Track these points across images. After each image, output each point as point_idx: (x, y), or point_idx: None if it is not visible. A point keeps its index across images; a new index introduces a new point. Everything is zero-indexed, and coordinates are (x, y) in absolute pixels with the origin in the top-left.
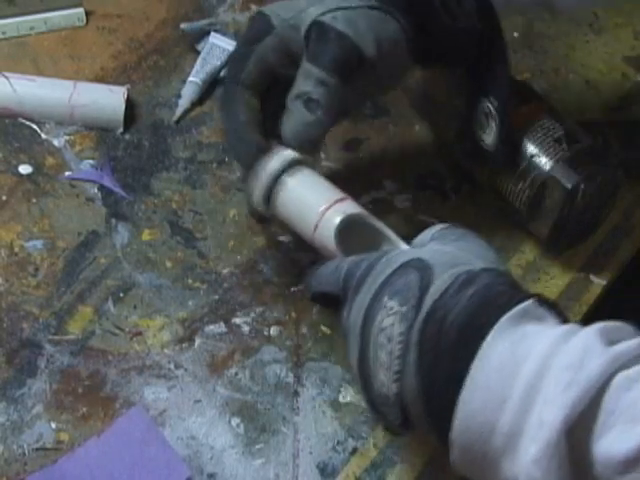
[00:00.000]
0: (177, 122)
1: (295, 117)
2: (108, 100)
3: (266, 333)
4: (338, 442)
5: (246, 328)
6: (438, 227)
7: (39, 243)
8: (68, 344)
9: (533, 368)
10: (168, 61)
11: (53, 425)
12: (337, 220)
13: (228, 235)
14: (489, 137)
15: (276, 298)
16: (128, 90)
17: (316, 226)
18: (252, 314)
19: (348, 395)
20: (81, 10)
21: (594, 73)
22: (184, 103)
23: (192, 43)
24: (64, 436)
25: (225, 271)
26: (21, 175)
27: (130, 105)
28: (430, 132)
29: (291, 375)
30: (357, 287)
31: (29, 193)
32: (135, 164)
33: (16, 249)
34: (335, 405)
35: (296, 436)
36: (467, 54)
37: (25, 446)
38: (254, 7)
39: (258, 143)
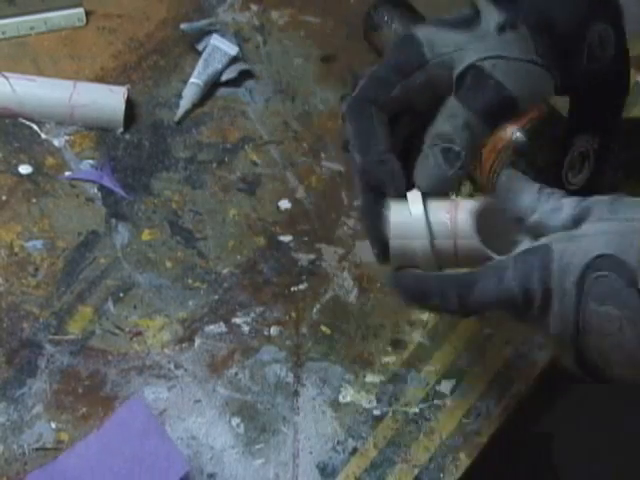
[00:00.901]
0: (178, 123)
1: (431, 167)
2: (108, 100)
3: (266, 333)
4: (338, 442)
5: (246, 328)
6: (573, 204)
7: (39, 243)
8: (68, 344)
9: None
10: (168, 61)
11: (53, 425)
12: (471, 212)
13: (228, 235)
14: (576, 178)
15: (276, 298)
16: (128, 90)
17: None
18: (252, 314)
19: (348, 395)
20: (81, 10)
21: None
22: (185, 104)
23: (192, 43)
24: (64, 436)
25: (225, 271)
26: (21, 175)
27: (130, 105)
28: None
29: (291, 375)
30: (545, 298)
31: (29, 193)
32: (135, 164)
33: (16, 249)
34: (335, 405)
35: (296, 436)
36: (595, 93)
37: (25, 446)
38: (254, 7)
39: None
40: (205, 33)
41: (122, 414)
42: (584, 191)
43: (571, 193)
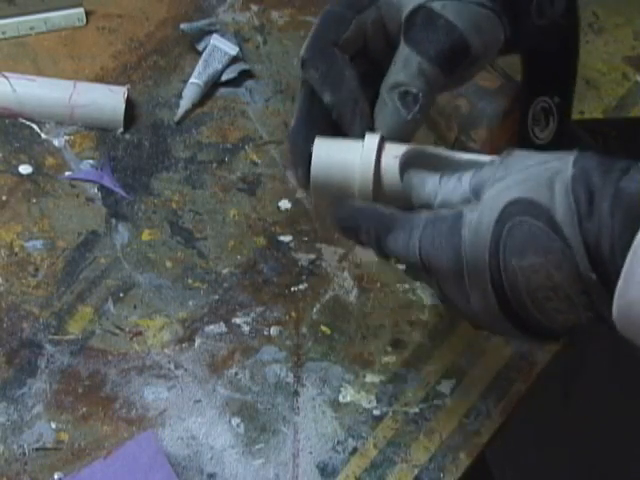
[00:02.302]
0: (178, 123)
1: (390, 111)
2: (108, 100)
3: (266, 333)
4: (338, 442)
5: (246, 328)
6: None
7: (39, 243)
8: (68, 344)
9: None
10: (168, 61)
11: (53, 425)
12: (398, 156)
13: (228, 235)
14: (544, 133)
15: (276, 298)
16: (128, 90)
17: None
18: (252, 314)
19: (348, 395)
20: (81, 10)
21: (594, 73)
22: (185, 104)
23: (192, 43)
24: (64, 436)
25: (225, 271)
26: (21, 175)
27: (130, 105)
28: (430, 132)
29: (291, 375)
30: (452, 271)
31: (29, 193)
32: (135, 164)
33: (16, 249)
34: (335, 405)
35: (296, 436)
36: (545, 51)
37: (25, 446)
38: (254, 7)
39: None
40: (205, 33)
41: (131, 446)
42: (553, 145)
43: (539, 148)
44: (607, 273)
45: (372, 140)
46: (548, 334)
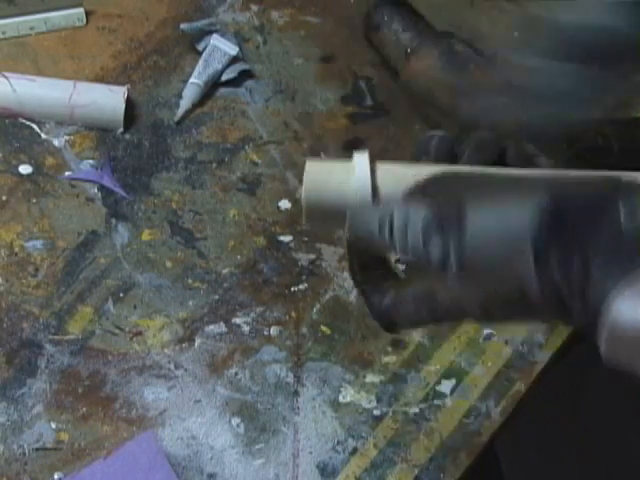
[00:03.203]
0: (178, 123)
1: None
2: (108, 100)
3: (266, 333)
4: (338, 442)
5: (246, 328)
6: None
7: (39, 243)
8: (68, 344)
9: None
10: (168, 61)
11: (53, 425)
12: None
13: (228, 235)
14: None
15: (276, 298)
16: (128, 90)
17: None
18: (252, 314)
19: (348, 395)
20: (81, 10)
21: None
22: (185, 104)
23: (192, 43)
24: (64, 436)
25: (225, 271)
26: (21, 175)
27: (130, 105)
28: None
29: (291, 375)
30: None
31: (29, 193)
32: (135, 164)
33: (16, 249)
34: (335, 405)
35: (296, 436)
36: None
37: (25, 446)
38: (254, 7)
39: None
40: (205, 33)
41: (132, 446)
42: None
43: None
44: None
45: (362, 157)
46: None
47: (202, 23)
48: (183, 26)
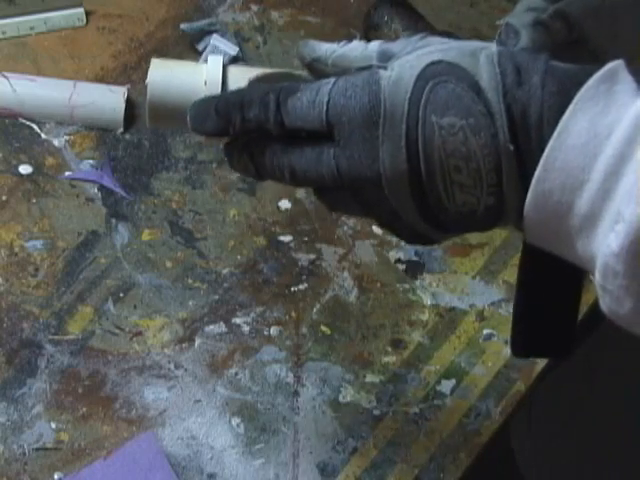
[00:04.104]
0: None
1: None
2: (108, 100)
3: (266, 333)
4: (338, 442)
5: (246, 328)
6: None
7: (39, 243)
8: (68, 344)
9: (613, 152)
10: None
11: (53, 425)
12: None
13: (228, 235)
14: None
15: (276, 298)
16: (128, 90)
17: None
18: (252, 314)
19: (348, 395)
20: (81, 10)
21: None
22: None
23: (192, 43)
24: (64, 436)
25: (225, 271)
26: (21, 175)
27: (130, 105)
28: None
29: (291, 375)
30: (366, 120)
31: (29, 193)
32: (135, 164)
33: (16, 249)
34: (335, 405)
35: (296, 436)
36: None
37: (25, 446)
38: (254, 7)
39: None
40: (205, 33)
41: (132, 446)
42: None
43: None
44: (529, 149)
45: (216, 60)
46: (439, 226)
47: (202, 23)
48: (183, 26)
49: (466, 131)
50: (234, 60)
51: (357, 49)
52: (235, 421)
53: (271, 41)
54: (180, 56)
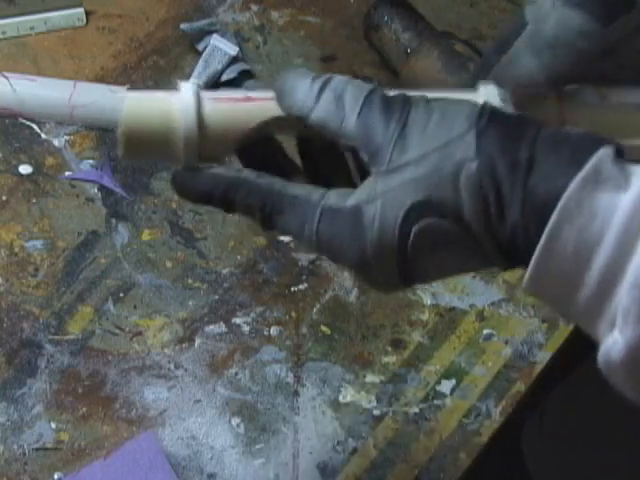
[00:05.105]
0: None
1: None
2: (108, 100)
3: (266, 333)
4: (338, 442)
5: (246, 328)
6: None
7: (39, 243)
8: (68, 344)
9: (605, 260)
10: (168, 61)
11: (53, 425)
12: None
13: (228, 235)
14: None
15: (276, 298)
16: (128, 90)
17: None
18: (252, 314)
19: (348, 395)
20: (81, 10)
21: None
22: None
23: (192, 43)
24: (64, 436)
25: (225, 271)
26: (21, 175)
27: None
28: None
29: (291, 375)
30: (355, 258)
31: (29, 193)
32: (135, 164)
33: (16, 249)
34: (335, 405)
35: (296, 436)
36: None
37: (25, 446)
38: (254, 7)
39: None
40: (205, 33)
41: (132, 446)
42: None
43: None
44: (522, 260)
45: (188, 87)
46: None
47: (202, 23)
48: (183, 26)
49: (459, 261)
50: (234, 60)
51: (335, 120)
52: (235, 421)
53: (271, 41)
54: (180, 56)
